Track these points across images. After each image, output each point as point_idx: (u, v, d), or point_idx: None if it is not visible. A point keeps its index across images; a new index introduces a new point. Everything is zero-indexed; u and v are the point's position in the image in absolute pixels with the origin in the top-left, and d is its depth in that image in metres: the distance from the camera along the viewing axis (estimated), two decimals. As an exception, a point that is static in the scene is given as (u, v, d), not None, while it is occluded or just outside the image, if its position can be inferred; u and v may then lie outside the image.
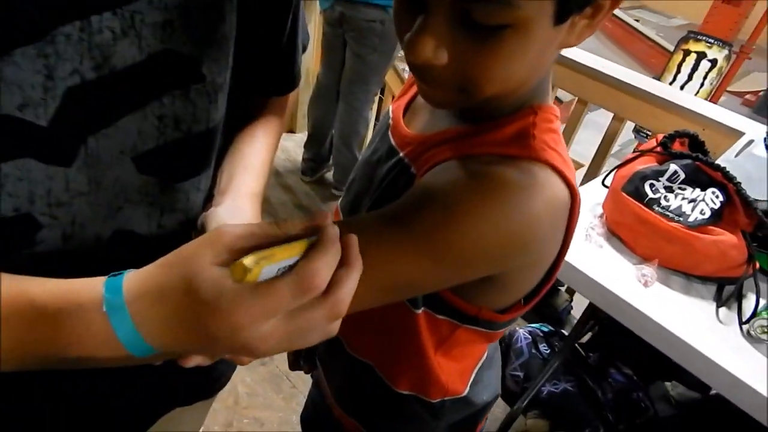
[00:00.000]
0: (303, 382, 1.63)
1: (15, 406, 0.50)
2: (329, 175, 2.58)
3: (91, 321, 0.32)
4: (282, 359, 1.62)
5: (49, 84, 0.36)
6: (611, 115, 1.60)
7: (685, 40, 3.59)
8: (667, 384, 1.36)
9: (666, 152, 0.99)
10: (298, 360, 0.81)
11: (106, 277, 0.33)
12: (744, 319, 0.87)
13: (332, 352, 0.67)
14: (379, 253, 0.41)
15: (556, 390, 1.36)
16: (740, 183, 0.91)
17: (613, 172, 1.06)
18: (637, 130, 3.46)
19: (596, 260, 0.97)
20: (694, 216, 0.92)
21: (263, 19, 0.51)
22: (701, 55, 3.54)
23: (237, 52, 0.48)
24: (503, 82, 0.42)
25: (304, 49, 0.61)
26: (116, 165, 0.43)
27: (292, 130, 2.93)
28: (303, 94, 2.78)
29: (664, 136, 1.02)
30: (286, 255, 0.31)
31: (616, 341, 1.41)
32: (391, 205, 0.45)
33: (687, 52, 3.57)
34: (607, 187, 1.06)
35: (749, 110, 4.60)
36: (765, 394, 0.77)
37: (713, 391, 1.32)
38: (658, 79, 3.44)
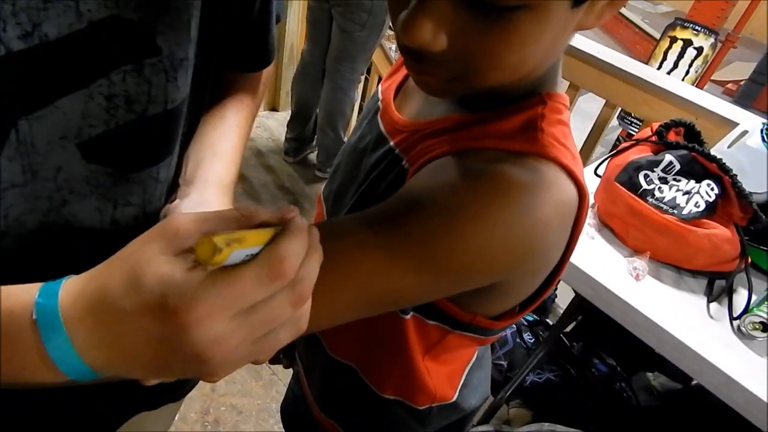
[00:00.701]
0: (283, 369, 1.59)
1: None
2: (313, 156, 2.51)
3: (20, 331, 0.27)
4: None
5: None
6: (597, 101, 1.57)
7: (672, 26, 3.58)
8: (649, 375, 1.37)
9: (661, 142, 0.97)
10: (278, 353, 0.77)
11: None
12: (735, 315, 0.86)
13: (311, 352, 0.62)
14: (366, 263, 0.36)
15: (539, 380, 1.35)
16: (736, 175, 0.89)
17: (606, 161, 1.03)
18: (621, 117, 3.46)
19: (586, 251, 0.94)
20: (689, 208, 0.90)
21: None
22: (687, 43, 3.54)
23: (203, 24, 0.42)
24: (511, 70, 0.37)
25: (278, 20, 0.55)
26: (57, 152, 0.37)
27: (275, 108, 2.85)
28: (287, 71, 2.70)
29: (660, 125, 0.99)
30: (258, 241, 0.27)
31: (599, 331, 1.41)
32: (379, 206, 0.40)
33: (674, 39, 3.57)
34: (599, 176, 1.03)
35: (731, 99, 4.65)
36: (754, 391, 0.75)
37: (694, 382, 1.32)
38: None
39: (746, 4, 3.73)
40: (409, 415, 0.58)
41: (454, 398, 0.59)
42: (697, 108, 1.29)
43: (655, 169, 0.95)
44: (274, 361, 0.78)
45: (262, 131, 2.67)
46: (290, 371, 0.83)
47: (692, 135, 0.99)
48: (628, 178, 0.96)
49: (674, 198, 0.92)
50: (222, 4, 0.44)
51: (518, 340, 1.44)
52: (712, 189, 0.90)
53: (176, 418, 0.75)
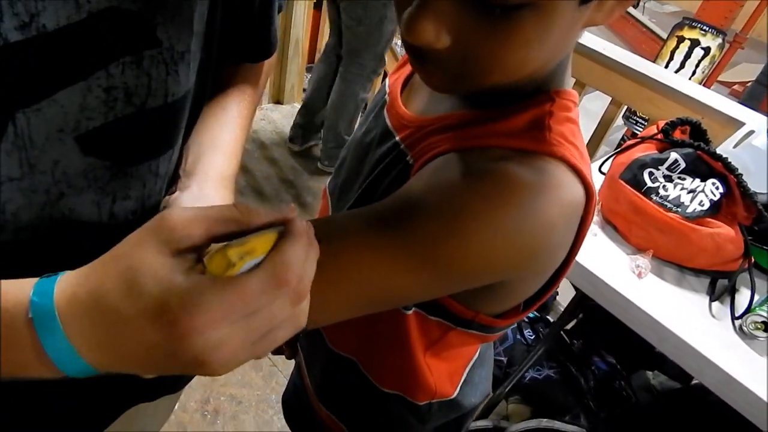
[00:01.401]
0: (283, 361, 1.60)
1: None
2: (317, 149, 2.51)
3: (15, 329, 0.26)
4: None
5: None
6: (602, 100, 1.56)
7: (679, 26, 3.56)
8: (649, 373, 1.36)
9: (667, 140, 0.96)
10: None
11: (39, 278, 0.28)
12: (737, 315, 0.85)
13: (312, 344, 0.62)
14: (367, 262, 0.36)
15: (538, 376, 1.35)
16: (741, 174, 0.89)
17: (611, 159, 1.02)
18: (626, 116, 3.44)
19: (589, 248, 0.94)
20: (693, 207, 0.89)
21: None
22: (695, 43, 3.52)
23: (209, 17, 0.41)
24: (515, 69, 0.36)
25: (280, 10, 0.55)
26: (55, 146, 0.36)
27: (279, 101, 2.85)
28: (292, 64, 2.69)
29: (666, 123, 0.98)
30: (264, 249, 0.27)
31: (600, 329, 1.40)
32: (382, 203, 0.39)
33: (681, 39, 3.55)
34: (604, 173, 1.03)
35: (737, 101, 4.62)
36: (754, 391, 0.75)
37: (694, 382, 1.32)
38: (651, 65, 3.40)
39: (755, 4, 3.70)
40: (408, 410, 0.57)
41: (455, 395, 0.58)
42: (703, 107, 1.28)
43: (660, 167, 0.94)
44: (276, 351, 0.78)
45: (266, 124, 2.67)
46: (290, 363, 0.83)
47: (698, 133, 0.99)
48: (633, 175, 0.95)
49: (679, 196, 0.91)
50: None
51: (518, 336, 1.44)
52: (717, 188, 0.90)
53: (176, 407, 0.75)
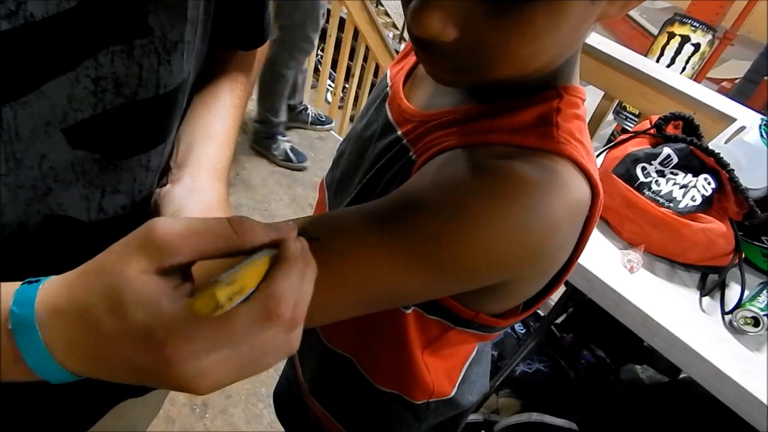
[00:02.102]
0: (272, 353, 1.59)
1: None
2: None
3: None
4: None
5: None
6: (593, 95, 1.55)
7: (670, 22, 3.57)
8: (638, 367, 1.37)
9: (660, 135, 0.96)
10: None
11: (21, 283, 0.27)
12: (727, 310, 0.86)
13: (306, 340, 0.61)
14: (368, 261, 0.35)
15: (529, 370, 1.35)
16: (733, 170, 0.89)
17: (603, 153, 1.02)
18: (617, 112, 3.46)
19: (582, 243, 0.94)
20: (685, 202, 0.90)
21: None
22: (685, 39, 3.54)
23: (205, 4, 0.40)
24: (524, 64, 0.35)
25: None
26: (41, 139, 0.35)
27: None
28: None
29: (659, 118, 0.98)
30: (256, 280, 0.25)
31: (590, 323, 1.41)
32: (384, 200, 0.38)
33: (672, 35, 3.56)
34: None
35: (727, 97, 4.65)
36: (743, 385, 0.76)
37: (681, 376, 1.33)
38: (642, 60, 3.42)
39: (744, 2, 3.73)
40: (405, 408, 0.57)
41: (452, 394, 0.58)
42: (695, 102, 1.29)
43: (652, 162, 0.94)
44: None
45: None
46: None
47: (691, 129, 0.99)
48: (626, 170, 0.95)
49: (671, 191, 0.91)
50: None
51: (509, 330, 1.44)
52: (709, 183, 0.90)
53: (165, 401, 0.74)
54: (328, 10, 2.79)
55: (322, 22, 2.23)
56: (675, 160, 0.93)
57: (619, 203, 0.95)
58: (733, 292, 0.89)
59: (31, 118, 0.33)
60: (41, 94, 0.33)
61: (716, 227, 0.88)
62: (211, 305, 0.23)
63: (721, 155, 0.90)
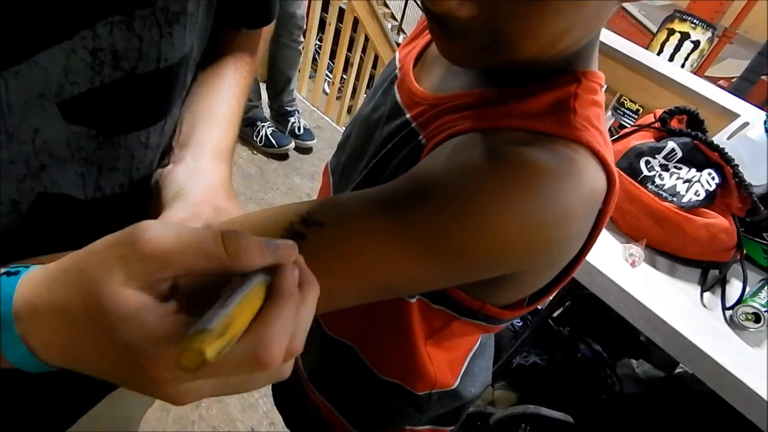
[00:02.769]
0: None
1: None
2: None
3: None
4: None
5: None
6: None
7: (670, 19, 3.57)
8: (634, 362, 1.38)
9: (664, 128, 0.95)
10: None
11: (3, 270, 0.26)
12: (728, 305, 0.86)
13: None
14: (372, 247, 0.34)
15: (525, 363, 1.35)
16: (737, 165, 0.88)
17: (607, 146, 1.01)
18: (615, 108, 3.46)
19: (583, 236, 0.93)
20: (689, 197, 0.89)
21: None
22: (685, 36, 3.53)
23: None
24: (546, 44, 0.33)
25: None
26: (35, 112, 0.33)
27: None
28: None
29: (664, 112, 0.97)
30: (247, 322, 0.23)
31: (587, 317, 1.41)
32: (391, 185, 0.37)
33: (671, 32, 3.56)
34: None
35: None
36: (743, 380, 0.76)
37: (677, 371, 1.34)
38: (641, 56, 3.42)
39: (744, 1, 3.73)
40: (406, 400, 0.56)
41: (455, 385, 0.57)
42: (697, 97, 1.28)
43: (656, 156, 0.94)
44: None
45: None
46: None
47: (695, 123, 0.98)
48: (629, 164, 0.95)
49: (674, 186, 0.91)
50: None
51: (506, 323, 1.44)
52: (713, 178, 0.90)
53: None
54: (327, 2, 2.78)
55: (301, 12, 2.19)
56: (679, 154, 0.93)
57: (622, 197, 0.94)
58: (733, 288, 0.89)
59: (24, 90, 0.32)
60: (35, 64, 0.32)
61: (719, 223, 0.88)
62: (197, 361, 0.21)
63: (726, 150, 0.90)
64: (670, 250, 0.93)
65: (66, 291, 0.25)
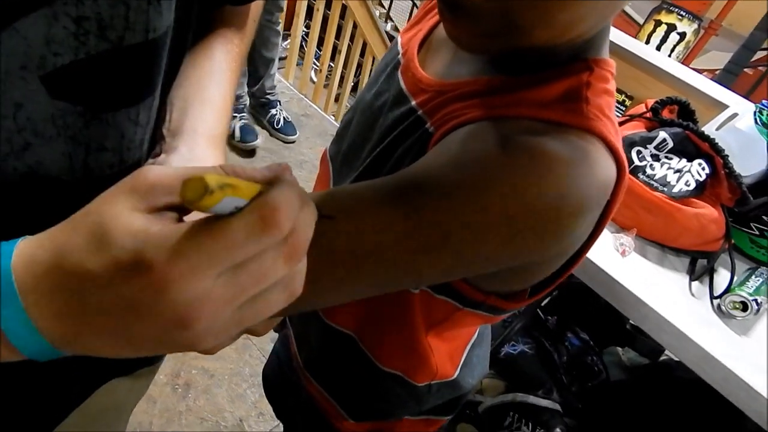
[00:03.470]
0: (256, 333, 1.57)
1: None
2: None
3: None
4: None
5: None
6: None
7: (657, 10, 3.59)
8: (620, 349, 1.40)
9: (656, 118, 0.96)
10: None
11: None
12: (716, 294, 0.87)
13: (305, 317, 0.59)
14: (383, 241, 0.33)
15: (513, 351, 1.36)
16: (728, 156, 0.89)
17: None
18: (602, 98, 3.48)
19: (575, 226, 0.94)
20: (679, 187, 0.90)
21: None
22: (671, 27, 3.56)
23: None
24: (560, 29, 0.33)
25: None
26: (17, 86, 0.31)
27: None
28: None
29: (656, 102, 0.98)
30: (249, 194, 0.23)
31: (574, 306, 1.43)
32: (400, 176, 0.36)
33: (658, 23, 3.59)
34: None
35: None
36: (731, 368, 0.77)
37: (661, 358, 1.36)
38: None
39: (730, -7, 3.76)
40: (406, 391, 0.55)
41: (455, 376, 0.56)
42: (687, 88, 1.29)
43: (648, 146, 0.94)
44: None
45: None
46: (264, 336, 0.80)
47: (686, 113, 0.99)
48: (621, 153, 0.95)
49: (665, 176, 0.91)
50: None
51: (495, 312, 1.45)
52: (704, 168, 0.90)
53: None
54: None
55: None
56: (670, 144, 0.93)
57: (613, 187, 0.94)
58: (721, 278, 0.91)
59: (3, 60, 0.30)
60: (14, 31, 0.29)
61: (708, 213, 0.89)
62: (200, 188, 0.20)
63: (716, 141, 0.90)
64: (660, 240, 0.94)
65: (70, 229, 0.24)
